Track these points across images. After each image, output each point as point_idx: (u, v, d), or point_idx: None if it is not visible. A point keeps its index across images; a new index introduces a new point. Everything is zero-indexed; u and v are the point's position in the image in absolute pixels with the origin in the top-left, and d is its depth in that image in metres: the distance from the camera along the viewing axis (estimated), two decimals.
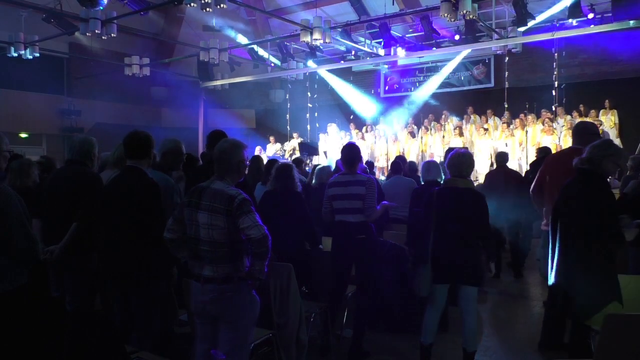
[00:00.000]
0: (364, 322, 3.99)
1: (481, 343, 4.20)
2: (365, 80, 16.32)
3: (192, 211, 2.63)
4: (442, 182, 4.24)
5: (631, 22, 9.31)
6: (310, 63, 14.27)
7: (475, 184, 9.56)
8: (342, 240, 3.94)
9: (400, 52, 12.74)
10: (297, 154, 13.09)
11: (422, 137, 13.22)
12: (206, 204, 2.58)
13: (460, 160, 3.54)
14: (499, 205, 6.53)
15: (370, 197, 3.87)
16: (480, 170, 12.00)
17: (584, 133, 3.98)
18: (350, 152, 4.02)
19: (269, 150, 14.71)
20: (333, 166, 6.63)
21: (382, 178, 10.57)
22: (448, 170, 3.63)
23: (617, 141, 11.51)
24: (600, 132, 10.92)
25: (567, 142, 11.03)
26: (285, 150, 14.76)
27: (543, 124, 11.48)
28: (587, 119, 11.20)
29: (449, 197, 3.50)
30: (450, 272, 3.49)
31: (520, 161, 11.56)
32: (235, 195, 2.55)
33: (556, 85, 12.22)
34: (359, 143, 9.39)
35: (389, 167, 7.88)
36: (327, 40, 11.31)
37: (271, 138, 15.32)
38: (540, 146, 8.68)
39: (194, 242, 2.62)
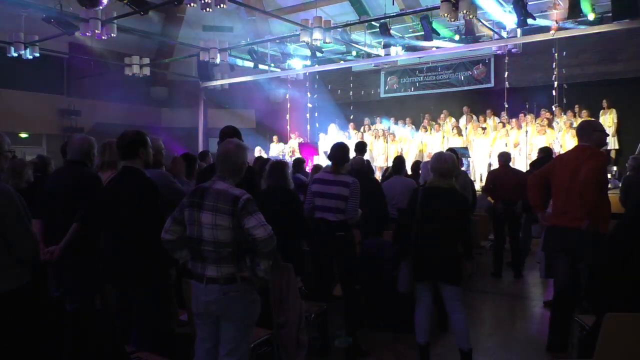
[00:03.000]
0: (354, 320, 3.99)
1: (481, 343, 4.20)
2: (365, 81, 16.33)
3: (193, 212, 2.62)
4: None
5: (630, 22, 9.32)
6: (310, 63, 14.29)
7: (477, 184, 9.65)
8: (321, 238, 3.97)
9: (400, 52, 12.74)
10: (297, 154, 13.10)
11: (421, 137, 13.23)
12: (210, 204, 2.58)
13: (441, 161, 3.60)
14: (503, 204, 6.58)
15: (354, 199, 3.90)
16: (479, 170, 12.03)
17: (592, 130, 3.97)
18: (339, 151, 4.04)
19: (273, 151, 14.70)
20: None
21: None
22: (431, 171, 3.68)
23: (613, 141, 11.53)
24: None
25: (565, 142, 11.04)
26: (286, 152, 14.77)
27: (543, 124, 11.48)
28: (580, 119, 11.22)
29: (432, 196, 3.55)
30: (429, 269, 3.54)
31: (514, 162, 11.56)
32: (240, 195, 2.55)
33: (556, 85, 12.23)
34: None
35: (390, 167, 7.88)
36: (327, 40, 11.31)
37: (274, 138, 15.31)
38: (541, 147, 8.67)
39: (197, 242, 2.62)
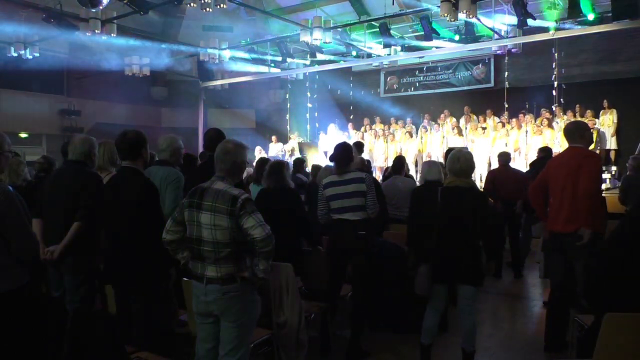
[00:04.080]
0: (360, 321, 3.98)
1: (481, 343, 4.20)
2: (365, 81, 16.33)
3: (193, 212, 2.63)
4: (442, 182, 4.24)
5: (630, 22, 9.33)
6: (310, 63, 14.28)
7: (477, 184, 9.63)
8: (340, 238, 3.93)
9: (400, 52, 12.74)
10: (297, 154, 13.09)
11: (421, 137, 13.21)
12: (208, 204, 2.58)
13: (453, 161, 3.56)
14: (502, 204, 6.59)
15: (372, 192, 3.90)
16: (479, 170, 12.01)
17: (583, 130, 3.96)
18: (344, 150, 4.02)
19: (272, 150, 14.69)
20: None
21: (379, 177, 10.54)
22: (448, 170, 3.64)
23: (612, 140, 11.52)
24: (596, 131, 10.98)
25: (564, 142, 11.01)
26: (285, 151, 14.77)
27: (540, 125, 11.46)
28: (584, 119, 11.20)
29: (451, 196, 3.51)
30: (450, 271, 3.49)
31: (513, 162, 11.54)
32: (239, 196, 2.55)
33: (556, 85, 12.23)
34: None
35: (390, 167, 7.87)
36: (327, 40, 11.32)
37: (273, 138, 15.30)
38: (541, 147, 8.68)
39: (197, 242, 2.62)
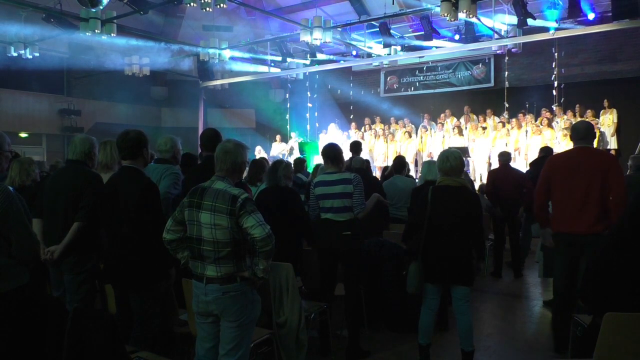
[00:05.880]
0: (356, 321, 3.99)
1: (481, 343, 4.20)
2: (365, 80, 16.34)
3: (193, 211, 2.63)
4: None
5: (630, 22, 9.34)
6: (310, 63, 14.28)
7: (477, 184, 9.64)
8: (327, 238, 3.94)
9: (400, 52, 12.75)
10: (296, 154, 13.09)
11: (421, 137, 13.21)
12: (208, 204, 2.59)
13: (442, 160, 3.57)
14: (502, 204, 6.58)
15: (359, 194, 3.88)
16: (479, 170, 12.02)
17: (593, 130, 3.90)
18: (333, 150, 4.02)
19: (274, 150, 14.68)
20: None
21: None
22: (438, 169, 3.66)
23: (612, 140, 11.53)
24: (597, 131, 10.99)
25: (564, 142, 11.02)
26: (285, 151, 14.79)
27: (540, 124, 11.46)
28: (584, 119, 11.18)
29: (442, 195, 3.52)
30: (441, 271, 3.50)
31: (513, 162, 11.53)
32: (239, 195, 2.56)
33: (556, 85, 12.24)
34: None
35: (388, 166, 7.87)
36: (327, 40, 11.32)
37: (277, 137, 15.29)
38: (542, 147, 8.68)
39: (197, 242, 2.63)
